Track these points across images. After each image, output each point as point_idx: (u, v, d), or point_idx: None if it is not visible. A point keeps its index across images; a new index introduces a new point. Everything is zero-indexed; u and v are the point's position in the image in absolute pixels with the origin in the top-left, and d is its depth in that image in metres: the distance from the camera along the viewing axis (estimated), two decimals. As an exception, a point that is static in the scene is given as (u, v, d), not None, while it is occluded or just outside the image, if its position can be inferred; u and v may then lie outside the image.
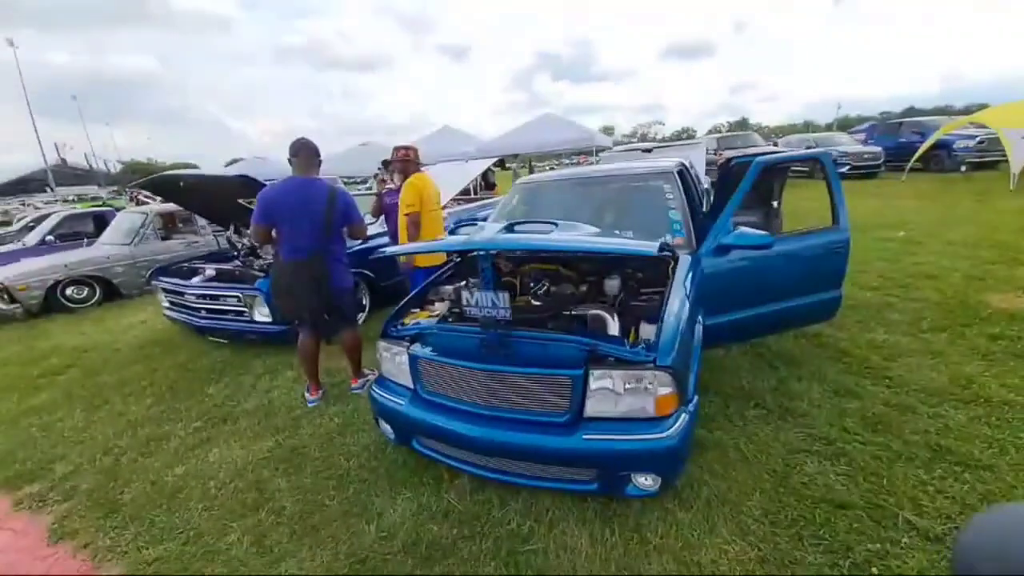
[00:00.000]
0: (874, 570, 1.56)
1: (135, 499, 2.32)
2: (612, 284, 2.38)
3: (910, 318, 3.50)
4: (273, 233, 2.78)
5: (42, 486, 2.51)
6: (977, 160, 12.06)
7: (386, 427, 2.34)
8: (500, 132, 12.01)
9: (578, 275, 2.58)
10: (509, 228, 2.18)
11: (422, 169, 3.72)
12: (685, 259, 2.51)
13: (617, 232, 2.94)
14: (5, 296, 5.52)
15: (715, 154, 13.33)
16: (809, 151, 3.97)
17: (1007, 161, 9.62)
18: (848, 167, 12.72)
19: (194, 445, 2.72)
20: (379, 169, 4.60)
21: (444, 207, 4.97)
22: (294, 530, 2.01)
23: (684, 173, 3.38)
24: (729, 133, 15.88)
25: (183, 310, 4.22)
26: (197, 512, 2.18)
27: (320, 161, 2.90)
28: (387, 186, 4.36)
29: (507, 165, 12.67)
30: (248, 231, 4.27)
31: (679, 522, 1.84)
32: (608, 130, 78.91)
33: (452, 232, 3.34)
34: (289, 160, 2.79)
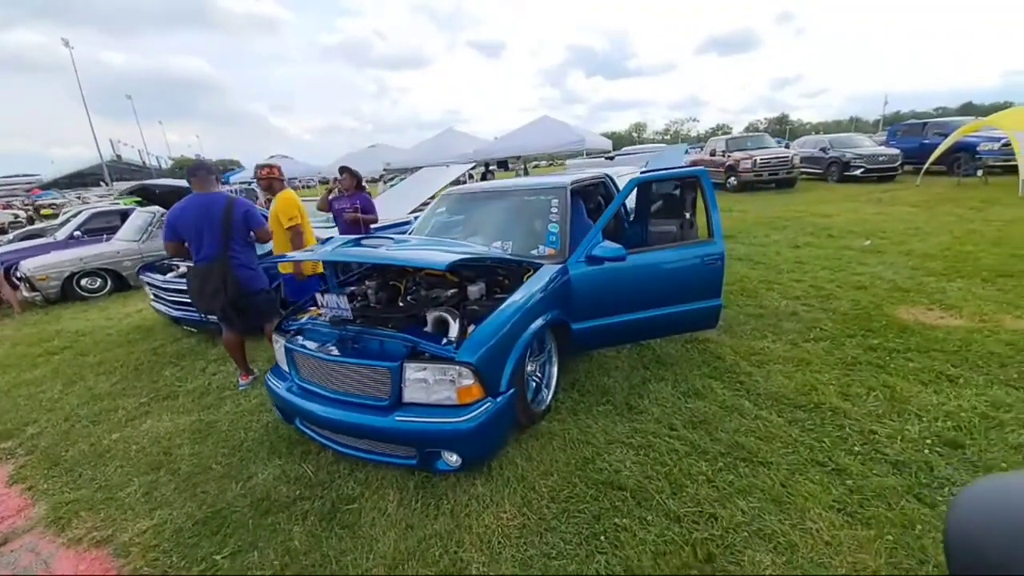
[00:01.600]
0: (602, 538, 1.83)
1: (74, 456, 2.82)
2: (474, 289, 2.69)
3: (805, 327, 3.63)
4: (187, 245, 3.20)
5: (14, 442, 3.06)
6: (1003, 164, 11.42)
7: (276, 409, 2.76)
8: (502, 134, 12.35)
9: (460, 280, 2.91)
10: (356, 242, 2.53)
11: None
12: (546, 269, 2.80)
13: (502, 241, 3.26)
14: (27, 285, 6.35)
15: (723, 156, 13.20)
16: (685, 169, 4.12)
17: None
18: (862, 170, 12.30)
19: (135, 416, 3.23)
20: (338, 176, 5.02)
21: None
22: (179, 486, 2.45)
23: (579, 191, 3.64)
24: (738, 135, 15.55)
25: (162, 302, 4.80)
26: (114, 469, 2.66)
27: (217, 178, 3.33)
28: (334, 193, 4.79)
29: (510, 166, 12.99)
30: None
31: (476, 494, 2.16)
32: (639, 127, 77.49)
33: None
34: (188, 180, 3.24)
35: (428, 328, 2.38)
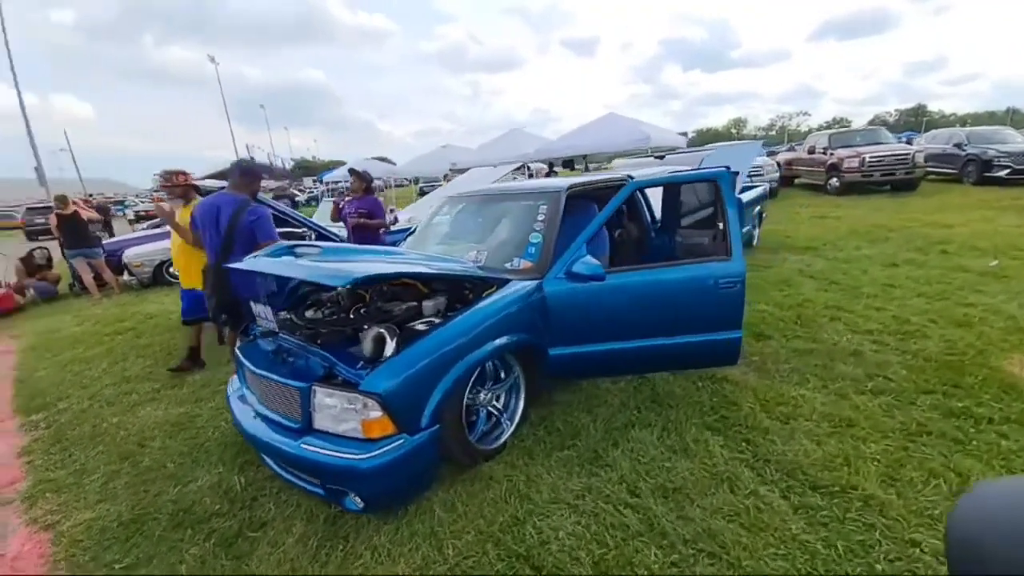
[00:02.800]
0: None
1: (75, 435, 3.06)
2: (429, 304, 2.43)
3: (865, 373, 2.83)
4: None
5: (42, 415, 3.42)
6: None
7: None
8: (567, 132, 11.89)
9: (430, 292, 2.66)
10: (290, 250, 2.36)
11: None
12: (513, 286, 2.45)
13: (478, 250, 2.95)
14: (126, 271, 7.33)
15: (825, 154, 11.49)
16: (702, 170, 3.37)
17: None
18: (1007, 171, 9.90)
19: (141, 402, 3.44)
20: (350, 178, 4.99)
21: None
22: (131, 480, 2.50)
23: (584, 195, 3.19)
24: (846, 129, 13.42)
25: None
26: (96, 453, 2.81)
27: (250, 180, 3.28)
28: (346, 197, 4.78)
29: (575, 166, 12.50)
30: None
31: (374, 544, 1.90)
32: (739, 123, 71.23)
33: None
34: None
35: (364, 347, 2.16)
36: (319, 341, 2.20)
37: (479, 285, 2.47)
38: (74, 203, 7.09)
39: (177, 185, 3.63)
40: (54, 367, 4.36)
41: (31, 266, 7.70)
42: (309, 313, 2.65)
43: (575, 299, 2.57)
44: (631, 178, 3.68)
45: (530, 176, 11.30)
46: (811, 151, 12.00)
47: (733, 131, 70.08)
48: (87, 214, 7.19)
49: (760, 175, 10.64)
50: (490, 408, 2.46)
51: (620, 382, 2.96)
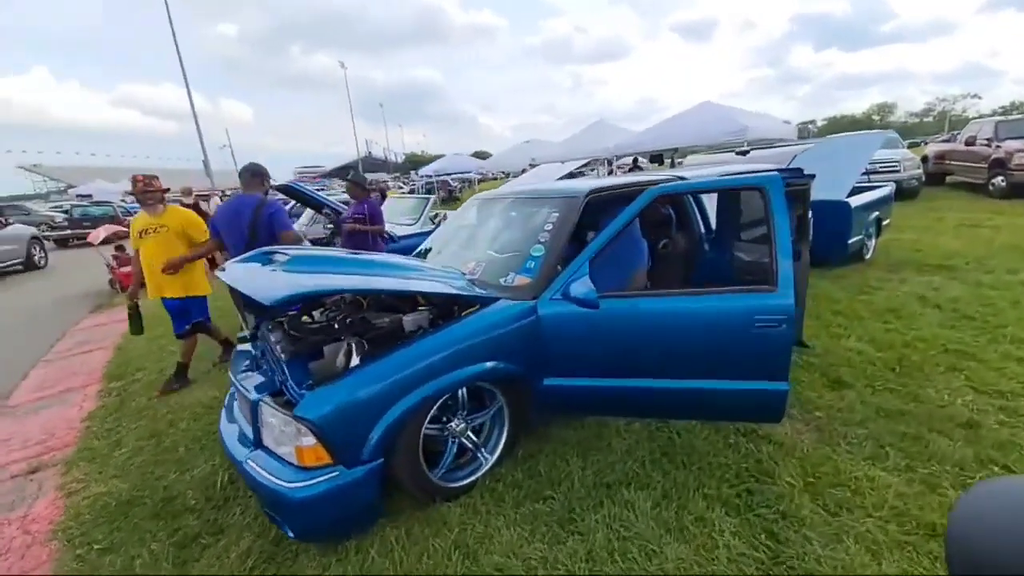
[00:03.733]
0: None
1: (133, 407, 3.44)
2: (409, 320, 2.26)
3: (977, 458, 2.05)
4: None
5: (120, 383, 3.92)
6: None
7: None
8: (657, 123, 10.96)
9: (426, 305, 2.50)
10: (267, 256, 2.29)
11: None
12: (497, 307, 2.17)
13: (477, 261, 2.69)
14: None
15: (988, 146, 9.19)
16: (748, 174, 2.54)
17: None
18: None
19: (201, 381, 3.77)
20: (347, 180, 4.67)
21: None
22: (147, 460, 2.71)
23: (612, 200, 2.75)
24: (1020, 117, 10.57)
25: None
26: (136, 427, 3.12)
27: (261, 180, 3.41)
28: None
29: (664, 160, 11.54)
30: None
31: (309, 566, 1.78)
32: (884, 108, 60.52)
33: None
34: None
35: (323, 363, 2.05)
36: (293, 351, 2.14)
37: (463, 303, 2.23)
38: (198, 195, 8.20)
39: (156, 190, 3.48)
40: (148, 340, 5.02)
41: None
42: (315, 316, 2.64)
43: (575, 325, 2.21)
44: (680, 178, 3.14)
45: (610, 172, 10.61)
46: (969, 142, 9.61)
47: (875, 118, 59.29)
48: (206, 205, 8.30)
49: (895, 171, 8.79)
50: (465, 440, 2.21)
51: (635, 423, 2.52)
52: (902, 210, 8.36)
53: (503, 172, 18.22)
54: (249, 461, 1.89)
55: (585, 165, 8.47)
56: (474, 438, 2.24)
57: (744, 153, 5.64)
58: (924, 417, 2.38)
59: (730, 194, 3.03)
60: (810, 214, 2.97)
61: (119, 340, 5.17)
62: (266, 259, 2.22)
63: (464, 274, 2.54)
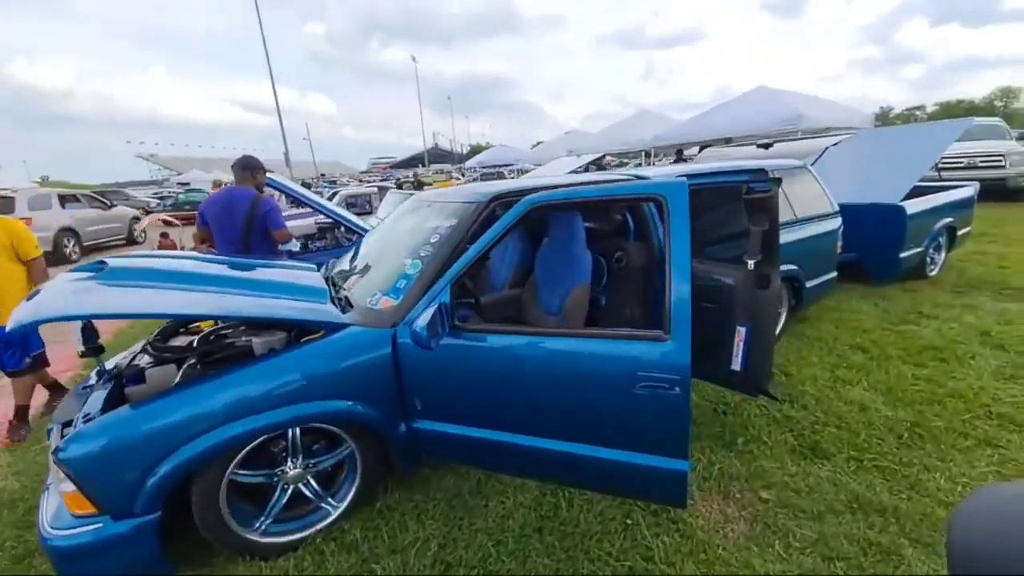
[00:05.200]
0: None
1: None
2: (259, 342, 1.99)
3: None
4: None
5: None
6: None
7: None
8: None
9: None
10: (98, 267, 2.08)
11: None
12: (342, 335, 1.84)
13: (360, 276, 2.34)
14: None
15: None
16: (647, 182, 1.83)
17: None
18: None
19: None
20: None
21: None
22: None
23: (505, 206, 2.29)
24: None
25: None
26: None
27: (252, 173, 3.30)
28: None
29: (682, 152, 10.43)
30: None
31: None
32: (1009, 93, 51.15)
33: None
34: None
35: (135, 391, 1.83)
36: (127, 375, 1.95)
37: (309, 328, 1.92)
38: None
39: None
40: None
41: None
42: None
43: (431, 362, 1.82)
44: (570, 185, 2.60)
45: (636, 165, 9.76)
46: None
47: (998, 104, 49.96)
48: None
49: (998, 166, 7.18)
50: (304, 487, 1.90)
51: (532, 482, 2.08)
52: (1001, 214, 6.81)
53: (537, 164, 17.68)
54: (44, 493, 1.72)
55: (599, 159, 7.74)
56: (315, 486, 1.93)
57: (767, 146, 4.75)
58: (912, 519, 1.71)
59: (698, 199, 2.40)
60: (781, 228, 2.29)
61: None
62: (96, 271, 2.02)
63: (335, 290, 2.22)
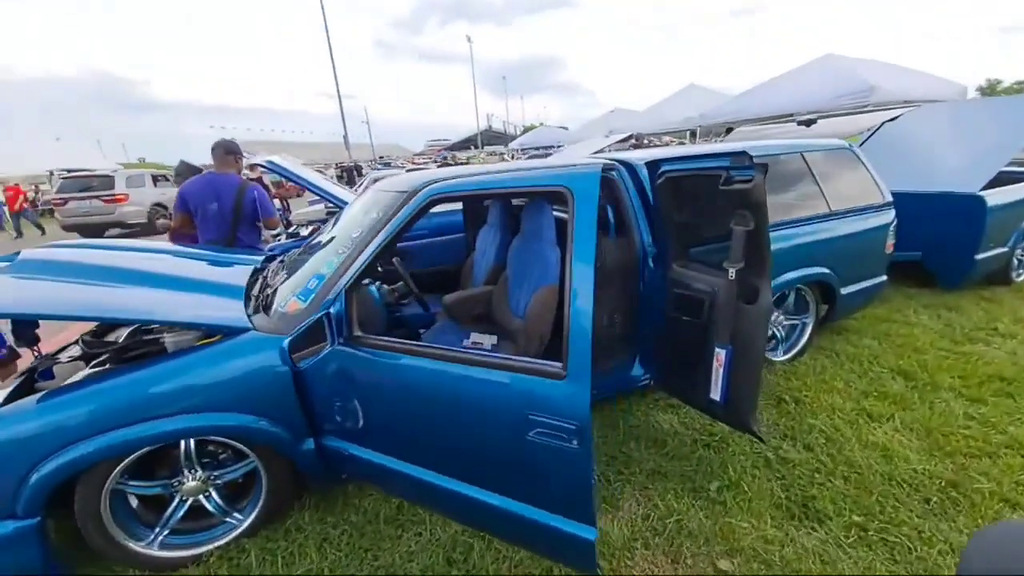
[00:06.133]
0: None
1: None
2: (171, 340, 1.87)
3: None
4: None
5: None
6: None
7: None
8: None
9: None
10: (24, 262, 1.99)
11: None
12: (236, 341, 1.67)
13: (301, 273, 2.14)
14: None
15: None
16: (553, 172, 1.30)
17: None
18: None
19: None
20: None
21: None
22: None
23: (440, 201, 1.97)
24: None
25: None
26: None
27: (235, 157, 3.23)
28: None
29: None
30: None
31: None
32: None
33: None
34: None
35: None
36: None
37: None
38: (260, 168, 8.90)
39: None
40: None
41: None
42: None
43: (331, 375, 1.61)
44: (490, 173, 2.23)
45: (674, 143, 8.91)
46: None
47: None
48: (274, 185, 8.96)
49: None
50: (204, 500, 1.77)
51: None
52: None
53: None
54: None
55: (625, 140, 7.06)
56: (217, 499, 1.79)
57: (808, 123, 3.99)
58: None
59: (681, 186, 1.97)
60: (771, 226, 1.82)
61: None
62: (8, 260, 1.95)
63: (268, 289, 2.03)
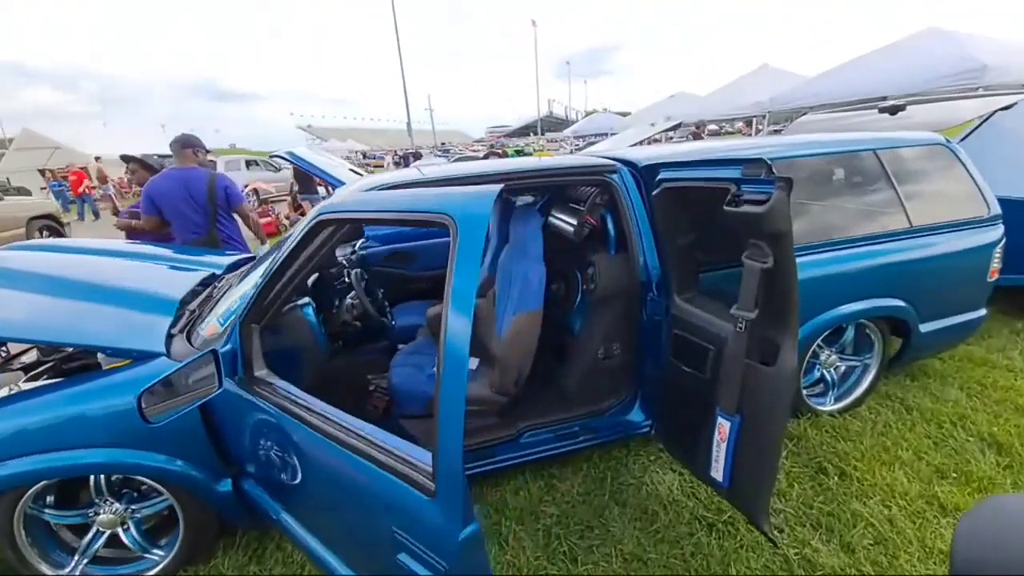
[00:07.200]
0: None
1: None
2: (103, 356, 1.74)
3: None
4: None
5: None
6: None
7: None
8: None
9: None
10: None
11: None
12: (145, 368, 1.49)
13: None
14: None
15: None
16: (428, 198, 0.77)
17: None
18: None
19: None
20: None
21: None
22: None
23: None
24: None
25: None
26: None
27: (194, 151, 3.12)
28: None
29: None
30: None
31: None
32: None
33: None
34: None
35: None
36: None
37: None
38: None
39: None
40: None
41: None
42: None
43: (234, 416, 1.39)
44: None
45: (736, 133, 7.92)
46: None
47: None
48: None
49: None
50: (122, 533, 1.63)
51: None
52: None
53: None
54: None
55: (674, 128, 6.27)
56: (135, 533, 1.64)
57: (894, 111, 3.17)
58: None
59: (690, 200, 1.51)
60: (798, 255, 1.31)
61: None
62: None
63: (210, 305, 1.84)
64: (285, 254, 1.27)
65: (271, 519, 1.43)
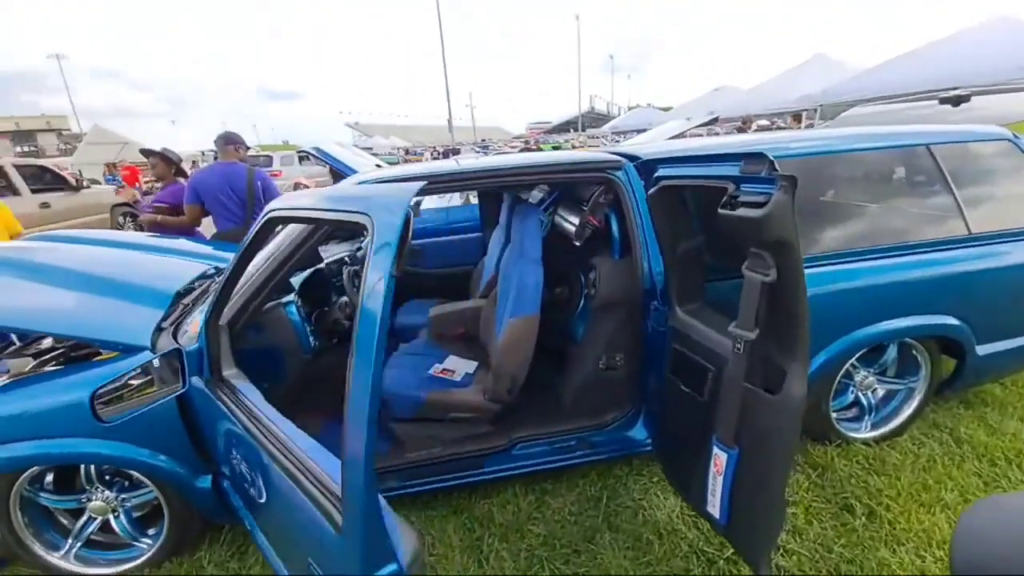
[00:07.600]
0: None
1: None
2: None
3: None
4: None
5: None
6: None
7: None
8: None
9: None
10: None
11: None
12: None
13: None
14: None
15: None
16: (352, 196, 0.57)
17: None
18: None
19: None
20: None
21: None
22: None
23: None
24: None
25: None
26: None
27: (236, 147, 3.30)
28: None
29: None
30: None
31: None
32: None
33: None
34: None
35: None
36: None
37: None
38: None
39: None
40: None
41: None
42: None
43: (206, 415, 1.37)
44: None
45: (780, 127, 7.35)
46: None
47: None
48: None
49: None
50: (113, 519, 1.66)
51: None
52: None
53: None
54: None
55: (711, 122, 5.88)
56: (124, 521, 1.67)
57: (957, 102, 2.77)
58: None
59: (691, 200, 1.36)
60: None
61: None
62: None
63: (187, 295, 1.85)
64: (239, 253, 1.23)
65: (238, 518, 1.40)
